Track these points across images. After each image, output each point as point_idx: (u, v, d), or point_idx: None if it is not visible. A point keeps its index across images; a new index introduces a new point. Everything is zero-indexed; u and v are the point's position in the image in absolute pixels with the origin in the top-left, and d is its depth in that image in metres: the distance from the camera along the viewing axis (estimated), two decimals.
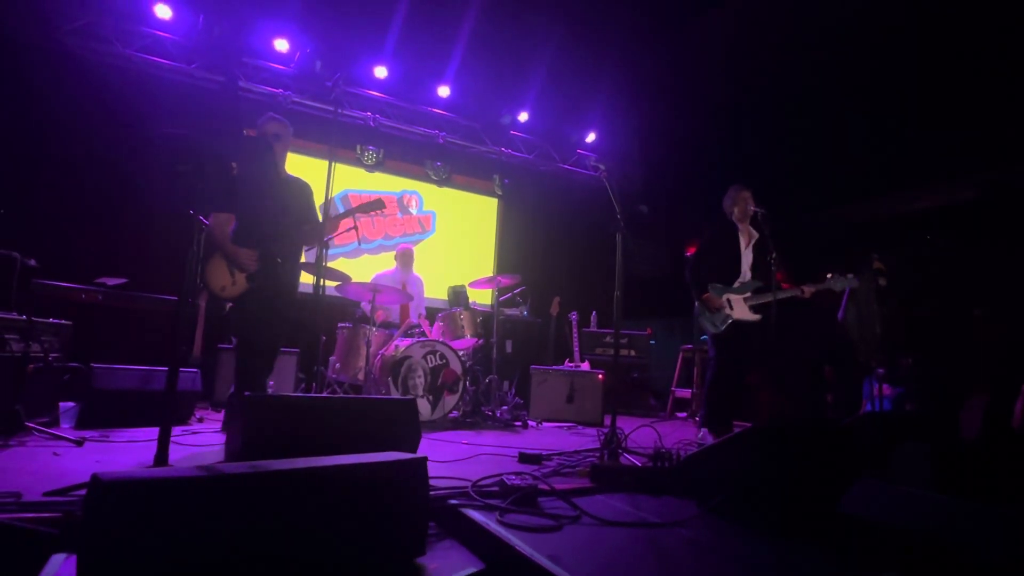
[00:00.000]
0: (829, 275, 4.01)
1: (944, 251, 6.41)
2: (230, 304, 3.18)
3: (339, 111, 5.88)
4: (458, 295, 5.29)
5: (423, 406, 4.37)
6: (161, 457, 1.92)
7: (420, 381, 4.40)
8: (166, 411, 1.97)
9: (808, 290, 4.00)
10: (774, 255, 3.88)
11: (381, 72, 6.63)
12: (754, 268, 4.19)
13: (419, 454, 1.69)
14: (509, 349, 6.31)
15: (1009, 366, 5.05)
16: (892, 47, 6.09)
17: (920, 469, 3.22)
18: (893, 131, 6.61)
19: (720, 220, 4.32)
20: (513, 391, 5.37)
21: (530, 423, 4.92)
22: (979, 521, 2.33)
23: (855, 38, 6.19)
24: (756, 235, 4.22)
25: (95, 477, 1.22)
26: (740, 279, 4.17)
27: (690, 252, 4.39)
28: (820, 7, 6.19)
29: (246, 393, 2.04)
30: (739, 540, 1.82)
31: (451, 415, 4.57)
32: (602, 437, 2.97)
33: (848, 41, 6.24)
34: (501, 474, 2.15)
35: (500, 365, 5.17)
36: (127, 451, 2.74)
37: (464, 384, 4.60)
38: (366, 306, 4.89)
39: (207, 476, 1.30)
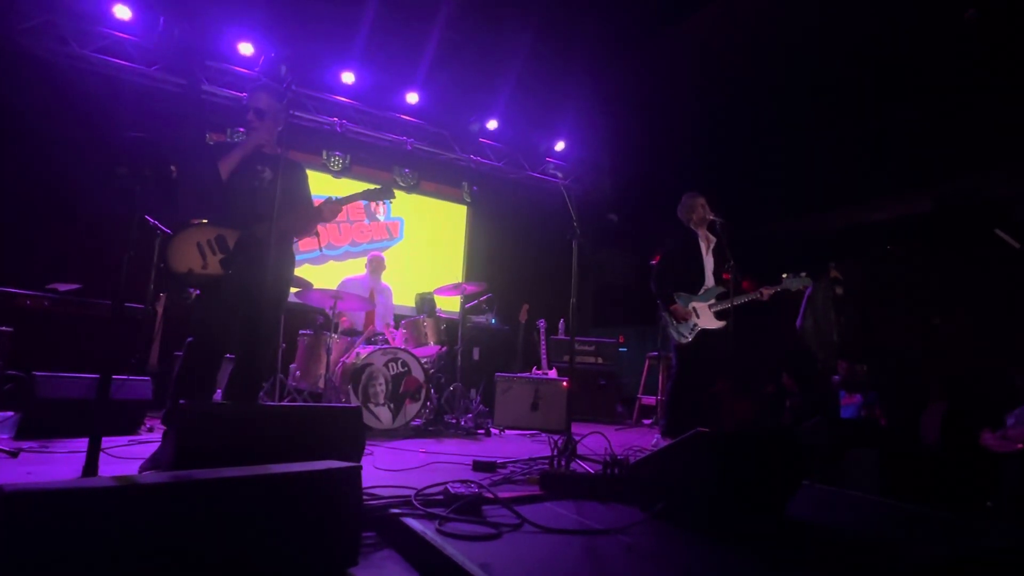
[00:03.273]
0: (784, 275, 4.09)
1: (901, 261, 6.58)
2: (196, 292, 2.71)
3: (291, 112, 5.82)
4: (425, 302, 5.26)
5: (384, 414, 4.32)
6: (90, 468, 1.85)
7: (381, 389, 4.35)
8: (97, 419, 1.91)
9: (767, 292, 4.07)
10: (732, 263, 3.95)
11: (348, 77, 6.60)
12: (716, 273, 4.27)
13: (372, 462, 1.66)
14: (476, 357, 6.28)
15: (965, 373, 5.19)
16: (851, 63, 6.26)
17: (870, 474, 3.28)
18: (852, 143, 6.78)
19: (679, 229, 4.38)
20: (479, 399, 5.35)
21: (493, 431, 4.89)
22: (922, 524, 2.38)
23: (816, 53, 6.36)
24: (714, 240, 4.31)
25: None
26: (704, 286, 4.24)
27: (654, 262, 4.43)
28: (783, 23, 6.34)
29: (181, 401, 1.98)
30: (680, 546, 1.82)
31: (413, 423, 4.52)
32: (556, 444, 2.96)
33: (809, 56, 6.40)
34: (447, 482, 2.12)
35: (466, 373, 5.14)
36: (64, 462, 2.65)
37: (427, 392, 4.55)
38: (329, 310, 4.82)
39: (120, 486, 1.26)
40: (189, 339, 2.61)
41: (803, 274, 4.11)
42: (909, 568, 1.74)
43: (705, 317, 4.16)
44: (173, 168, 2.13)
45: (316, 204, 3.00)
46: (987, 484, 3.36)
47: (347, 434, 2.10)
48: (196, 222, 2.58)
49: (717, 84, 7.21)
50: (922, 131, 6.31)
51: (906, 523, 2.42)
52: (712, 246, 4.31)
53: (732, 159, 7.49)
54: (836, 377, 4.88)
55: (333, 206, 2.89)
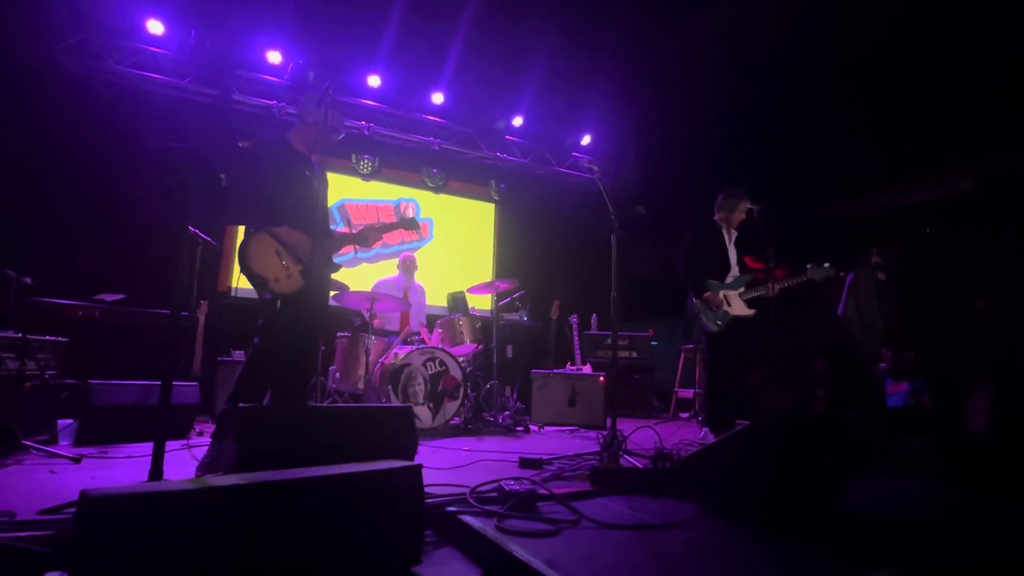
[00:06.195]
0: (808, 266, 4.14)
1: (944, 243, 6.39)
2: (279, 302, 2.69)
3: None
4: (457, 301, 5.28)
5: (424, 413, 4.36)
6: (156, 472, 1.91)
7: (420, 388, 4.39)
8: (160, 425, 1.96)
9: (776, 288, 4.07)
10: (771, 251, 3.92)
11: (375, 81, 6.65)
12: (740, 263, 4.29)
13: (418, 461, 1.68)
14: (510, 354, 6.29)
15: (1014, 355, 5.02)
16: (886, 39, 6.09)
17: (922, 463, 3.19)
18: (889, 124, 6.60)
19: (703, 220, 4.38)
20: (515, 396, 5.35)
21: (532, 428, 4.90)
22: (981, 515, 2.31)
23: (848, 32, 6.19)
24: (736, 233, 4.34)
25: (83, 493, 1.21)
26: (731, 274, 4.23)
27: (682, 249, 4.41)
28: (809, 4, 6.19)
29: (240, 404, 2.02)
30: (738, 540, 1.80)
31: (452, 422, 4.55)
32: (602, 440, 2.95)
33: (841, 35, 6.24)
34: (500, 480, 2.13)
35: (501, 370, 5.15)
36: (125, 467, 2.73)
37: (464, 390, 4.58)
38: (366, 312, 4.87)
39: (196, 489, 1.29)
40: (256, 340, 2.65)
41: (826, 264, 4.14)
42: (972, 562, 1.69)
43: (736, 305, 4.17)
44: (223, 176, 2.18)
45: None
46: None
47: (400, 433, 2.13)
48: (266, 229, 2.62)
49: (744, 69, 7.07)
50: (958, 110, 6.12)
51: (963, 513, 2.35)
52: (734, 238, 4.33)
53: (762, 145, 7.35)
54: (882, 365, 4.76)
55: (374, 234, 2.98)
